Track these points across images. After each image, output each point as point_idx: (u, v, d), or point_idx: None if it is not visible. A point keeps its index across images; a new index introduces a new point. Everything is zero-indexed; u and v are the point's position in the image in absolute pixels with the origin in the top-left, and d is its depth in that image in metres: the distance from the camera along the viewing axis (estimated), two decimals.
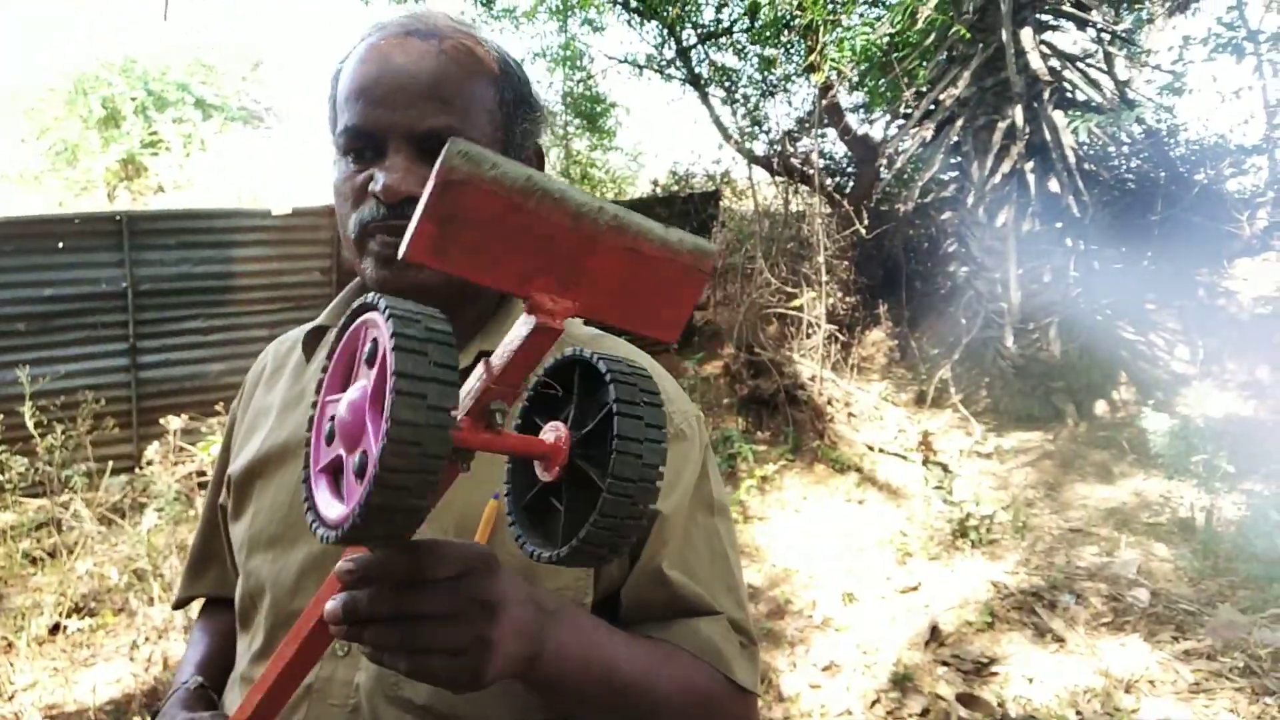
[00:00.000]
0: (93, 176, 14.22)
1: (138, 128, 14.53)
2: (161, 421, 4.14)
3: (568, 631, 0.72)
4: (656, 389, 0.56)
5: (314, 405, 0.57)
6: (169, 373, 5.79)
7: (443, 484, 0.56)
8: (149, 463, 4.11)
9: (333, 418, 0.53)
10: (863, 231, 6.89)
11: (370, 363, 0.50)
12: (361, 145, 0.86)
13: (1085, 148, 5.94)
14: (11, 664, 3.53)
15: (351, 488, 0.50)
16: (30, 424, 4.35)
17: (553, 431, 0.56)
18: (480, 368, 0.54)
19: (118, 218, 5.59)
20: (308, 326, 1.02)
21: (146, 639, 3.52)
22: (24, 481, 4.18)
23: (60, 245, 5.36)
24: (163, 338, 5.76)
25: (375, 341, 0.50)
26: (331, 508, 0.52)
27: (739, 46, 8.62)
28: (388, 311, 0.47)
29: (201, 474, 4.29)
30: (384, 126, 0.84)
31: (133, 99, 14.69)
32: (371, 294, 0.52)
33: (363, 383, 0.51)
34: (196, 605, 1.20)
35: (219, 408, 4.57)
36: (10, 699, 3.35)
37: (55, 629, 3.79)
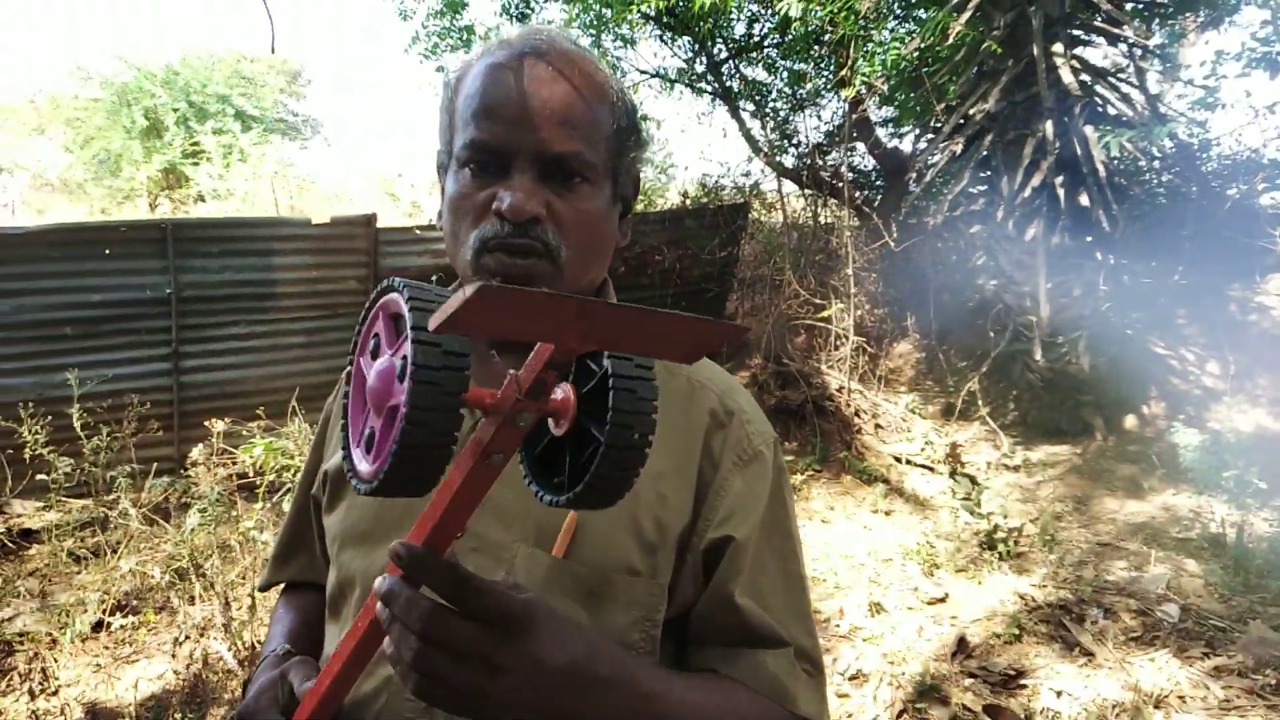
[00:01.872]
0: (135, 185, 14.51)
1: (179, 138, 14.81)
2: (205, 424, 4.25)
3: (618, 698, 0.73)
4: (650, 363, 0.60)
5: (349, 363, 0.63)
6: (210, 377, 5.93)
7: (481, 478, 0.60)
8: (193, 464, 4.22)
9: (364, 381, 0.59)
10: (891, 244, 6.91)
11: (398, 334, 0.56)
12: (486, 161, 0.87)
13: (1116, 162, 5.92)
14: (56, 660, 3.63)
15: (382, 442, 0.55)
16: (77, 425, 4.48)
17: (560, 390, 0.60)
18: (508, 382, 0.58)
19: (163, 225, 5.73)
20: None
21: (187, 637, 3.60)
22: (69, 482, 4.30)
23: (107, 252, 5.50)
24: (205, 343, 5.90)
25: (397, 316, 0.56)
26: (363, 462, 0.58)
27: (770, 61, 8.68)
28: (410, 301, 0.52)
29: (243, 476, 4.39)
30: (513, 146, 0.85)
31: (174, 110, 14.98)
32: (396, 279, 0.56)
33: (389, 355, 0.57)
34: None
35: (259, 412, 4.68)
36: (55, 694, 3.44)
37: (99, 626, 3.89)
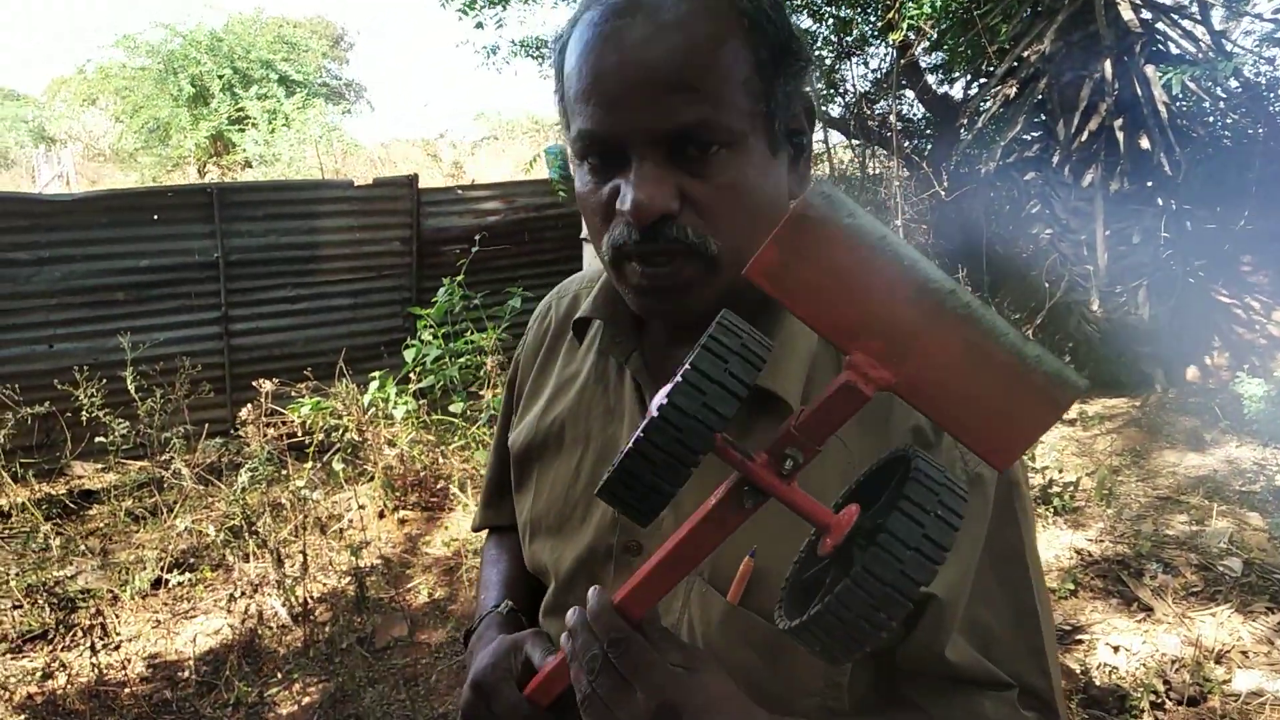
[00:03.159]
0: (184, 153, 14.72)
1: (225, 105, 14.97)
2: (254, 385, 4.30)
3: None
4: (960, 509, 0.50)
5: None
6: (259, 340, 6.01)
7: (734, 510, 0.57)
8: (243, 425, 4.28)
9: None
10: (942, 194, 6.73)
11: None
12: (601, 152, 0.74)
13: (1178, 103, 5.68)
14: (118, 616, 3.74)
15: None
16: (131, 389, 4.57)
17: (847, 513, 0.54)
18: (790, 417, 0.54)
19: (209, 190, 5.79)
20: (582, 281, 1.03)
21: (242, 593, 3.68)
22: (126, 444, 4.40)
23: (155, 218, 5.58)
24: (252, 306, 5.98)
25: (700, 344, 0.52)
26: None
27: (814, 7, 8.44)
28: (719, 323, 0.50)
29: (292, 436, 4.45)
30: (624, 131, 0.71)
31: (220, 77, 15.13)
32: (727, 310, 0.53)
33: (670, 386, 0.52)
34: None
35: (307, 373, 4.73)
36: (117, 649, 3.55)
37: (157, 583, 4.00)
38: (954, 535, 0.49)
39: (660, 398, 0.51)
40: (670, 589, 0.63)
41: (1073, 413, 5.59)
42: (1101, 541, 3.98)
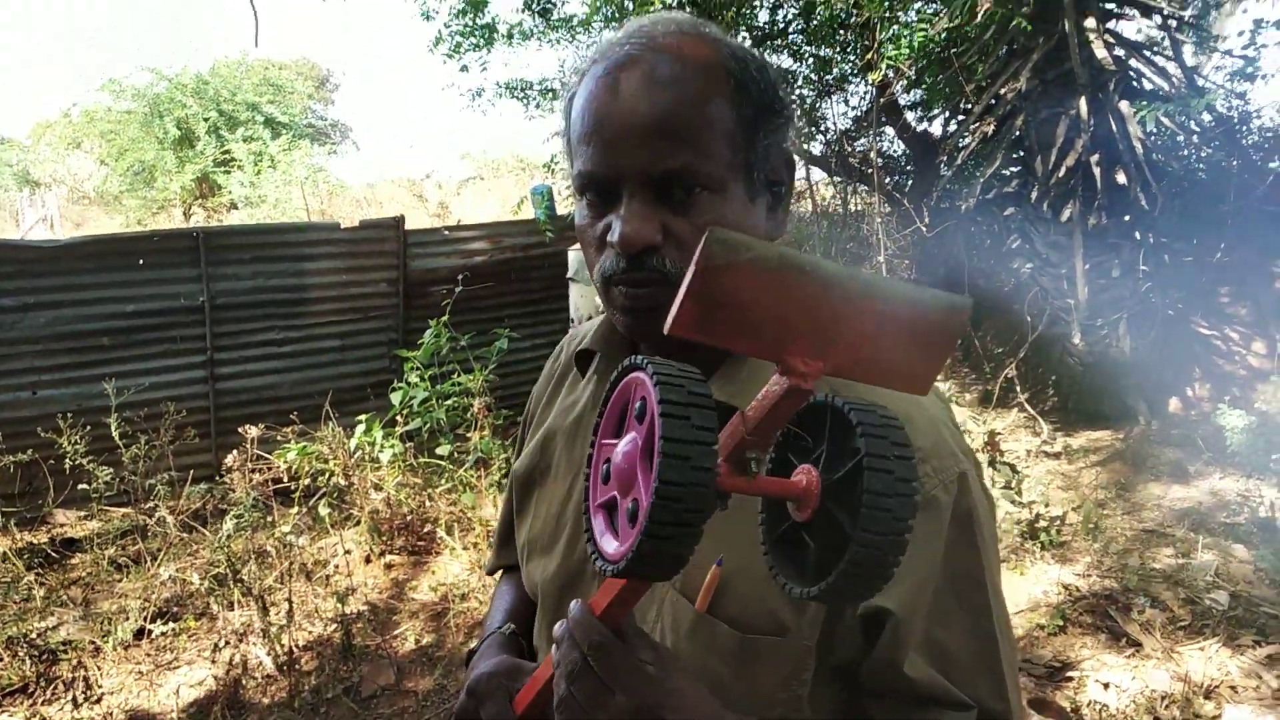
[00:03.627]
0: (169, 196, 14.75)
1: (211, 147, 15.03)
2: (240, 431, 4.28)
3: None
4: (907, 439, 0.56)
5: (591, 444, 0.63)
6: (246, 384, 5.99)
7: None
8: (228, 470, 4.26)
9: (608, 461, 0.59)
10: (923, 229, 6.81)
11: (640, 419, 0.55)
12: (598, 189, 0.83)
13: (1153, 138, 5.78)
14: (99, 668, 3.68)
15: (625, 530, 0.55)
16: (116, 435, 4.54)
17: (804, 475, 0.58)
18: (735, 419, 0.57)
19: (194, 234, 5.79)
20: (594, 325, 1.07)
21: (227, 642, 3.64)
22: (109, 491, 4.36)
23: (140, 262, 5.58)
24: (239, 349, 5.96)
25: (644, 401, 0.55)
26: (608, 542, 0.58)
27: (795, 47, 8.58)
28: (655, 377, 0.52)
29: (278, 481, 4.42)
30: (616, 172, 0.80)
31: (205, 119, 15.20)
32: (640, 357, 0.56)
33: (633, 435, 0.56)
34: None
35: (294, 416, 4.71)
36: (98, 702, 3.50)
37: (140, 633, 3.95)
38: (914, 464, 0.56)
39: (625, 447, 0.56)
40: (645, 592, 0.68)
41: (1058, 446, 5.62)
42: (1089, 576, 3.99)
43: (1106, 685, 3.17)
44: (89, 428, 4.61)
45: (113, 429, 4.56)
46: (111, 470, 4.37)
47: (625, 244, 0.79)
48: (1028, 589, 3.92)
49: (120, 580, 4.46)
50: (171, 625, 3.98)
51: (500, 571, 1.27)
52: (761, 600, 0.81)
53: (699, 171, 0.79)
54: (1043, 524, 4.30)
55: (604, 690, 0.67)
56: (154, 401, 5.26)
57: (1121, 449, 5.49)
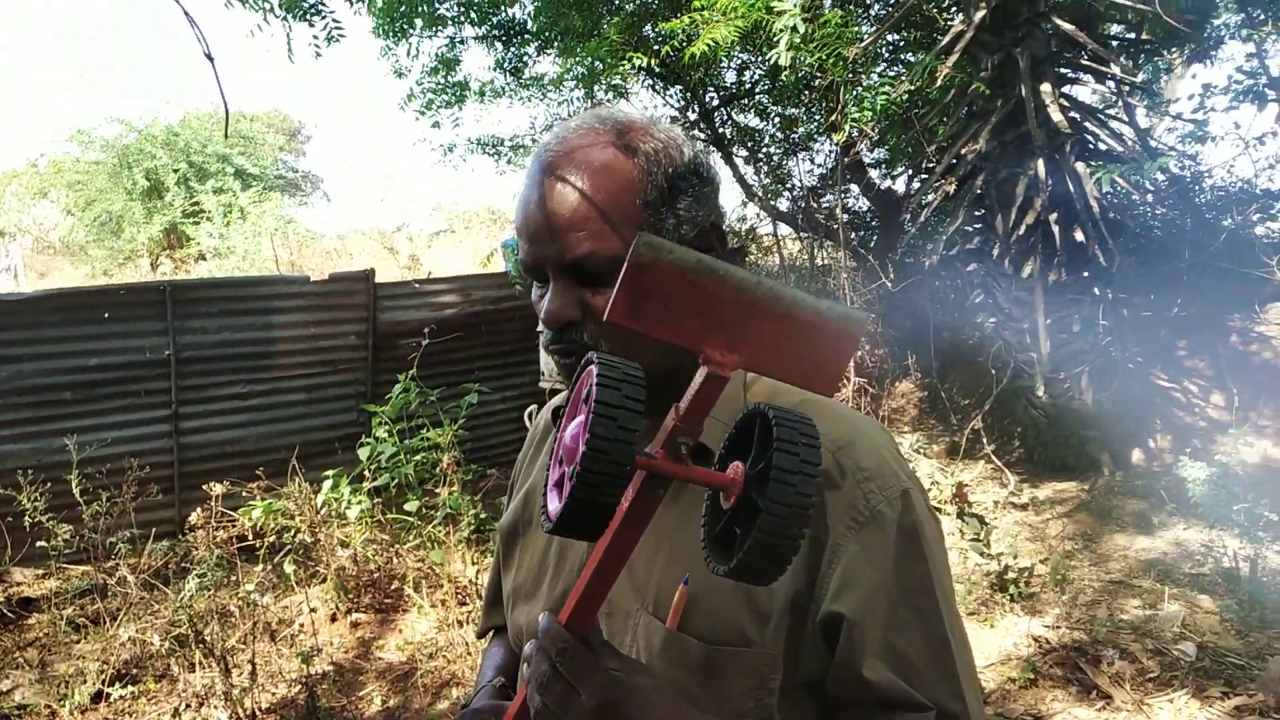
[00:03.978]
0: (136, 247, 14.63)
1: (180, 198, 14.97)
2: (204, 488, 4.22)
3: None
4: (816, 433, 0.63)
5: (555, 436, 0.70)
6: (210, 438, 5.92)
7: (647, 503, 0.67)
8: (191, 528, 4.18)
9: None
10: (888, 284, 6.92)
11: (586, 402, 0.62)
12: (532, 274, 0.96)
13: (1109, 197, 5.93)
14: None
15: (566, 489, 0.61)
16: (76, 491, 4.45)
17: (733, 469, 0.65)
18: (670, 412, 0.65)
19: (162, 287, 5.75)
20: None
21: (188, 705, 3.55)
22: (69, 548, 4.26)
23: (106, 315, 5.52)
24: (204, 403, 5.90)
25: (590, 385, 0.62)
26: (552, 501, 0.65)
27: (761, 107, 8.77)
28: (598, 363, 0.61)
29: (242, 539, 4.35)
30: (541, 260, 0.93)
31: (175, 170, 15.15)
32: (592, 353, 0.63)
33: (581, 417, 0.63)
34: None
35: (259, 472, 4.65)
36: None
37: (98, 696, 3.84)
38: (819, 452, 0.62)
39: (574, 428, 0.64)
40: (606, 594, 0.73)
41: (1024, 497, 5.68)
42: (1058, 628, 4.01)
43: None
44: (49, 484, 4.53)
45: (73, 485, 4.47)
46: (71, 527, 4.28)
47: (548, 321, 0.93)
48: (998, 641, 3.93)
49: (78, 641, 4.35)
50: (131, 688, 3.88)
51: (491, 634, 1.34)
52: (728, 615, 0.88)
53: (599, 257, 0.90)
54: (1011, 575, 4.33)
55: (571, 692, 0.72)
56: (116, 457, 5.18)
57: (1087, 500, 5.56)
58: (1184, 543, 4.81)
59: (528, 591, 1.08)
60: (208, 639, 3.73)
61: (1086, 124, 6.01)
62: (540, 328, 0.97)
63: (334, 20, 5.15)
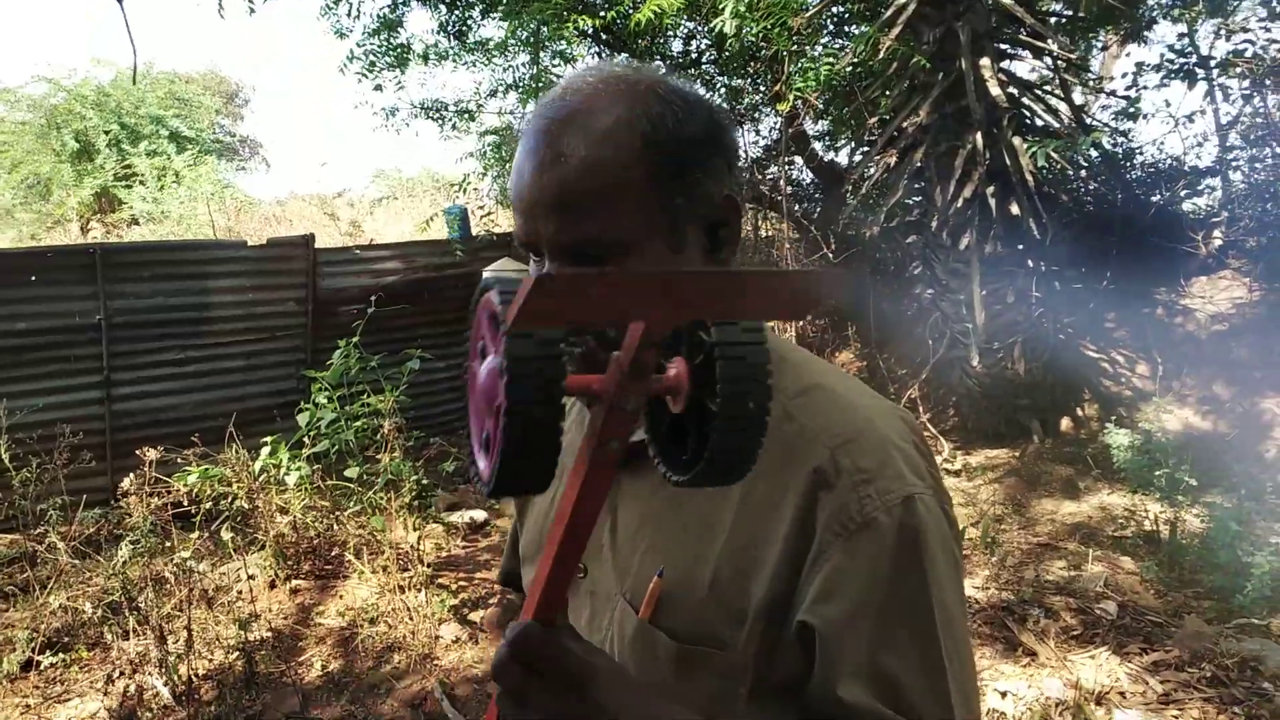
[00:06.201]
0: (66, 210, 14.15)
1: (111, 161, 14.49)
2: (138, 453, 4.14)
3: None
4: (761, 334, 0.57)
5: (464, 373, 0.62)
6: (144, 404, 5.79)
7: (602, 476, 0.59)
8: (124, 494, 4.10)
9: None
10: (830, 256, 7.00)
11: (496, 333, 0.54)
12: (529, 250, 0.88)
13: (1044, 172, 6.07)
14: None
15: (494, 441, 0.53)
16: (5, 457, 4.33)
17: (673, 367, 0.58)
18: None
19: (91, 250, 5.60)
20: None
21: (121, 673, 3.51)
22: None
23: (33, 279, 5.36)
24: (137, 370, 5.77)
25: (493, 315, 0.54)
26: (484, 463, 0.57)
27: (707, 77, 8.75)
28: (498, 287, 0.53)
29: (178, 505, 4.28)
30: (535, 239, 0.84)
31: (106, 132, 14.65)
32: (487, 278, 0.56)
33: (492, 353, 0.55)
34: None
35: (195, 439, 4.57)
36: None
37: (28, 665, 3.77)
38: (768, 354, 0.56)
39: (486, 364, 0.55)
40: (572, 574, 0.67)
41: (958, 464, 5.83)
42: (987, 589, 4.14)
43: (1004, 694, 3.28)
44: None
45: (2, 452, 4.36)
46: (0, 494, 4.17)
47: None
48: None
49: (7, 610, 4.25)
50: (62, 656, 3.81)
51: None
52: (701, 614, 0.83)
53: (601, 240, 0.81)
54: None
55: (531, 675, 0.67)
56: (47, 423, 5.04)
57: (1017, 466, 5.72)
58: (1108, 507, 4.99)
59: (530, 555, 1.08)
60: (142, 606, 3.68)
61: (1024, 99, 6.13)
62: None
63: None
